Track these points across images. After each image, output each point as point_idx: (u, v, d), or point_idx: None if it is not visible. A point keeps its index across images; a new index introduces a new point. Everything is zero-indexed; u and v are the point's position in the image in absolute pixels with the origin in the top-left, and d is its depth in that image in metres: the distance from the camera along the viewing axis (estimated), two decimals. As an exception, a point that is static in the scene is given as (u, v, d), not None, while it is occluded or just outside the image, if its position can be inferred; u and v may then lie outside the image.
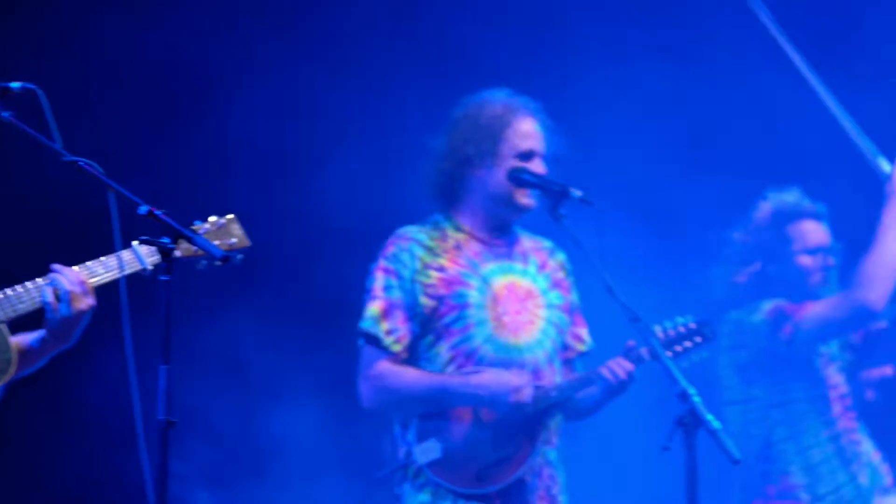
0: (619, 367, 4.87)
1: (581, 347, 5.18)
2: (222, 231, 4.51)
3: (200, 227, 4.52)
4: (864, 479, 5.76)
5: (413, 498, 4.93)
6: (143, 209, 3.96)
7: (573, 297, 5.20)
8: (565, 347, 5.13)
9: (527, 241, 5.15)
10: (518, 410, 4.87)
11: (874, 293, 5.55)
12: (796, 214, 5.89)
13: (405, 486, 4.94)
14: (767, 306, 5.72)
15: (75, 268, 4.35)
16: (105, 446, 6.06)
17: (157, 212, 3.99)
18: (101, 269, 4.37)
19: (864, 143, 5.77)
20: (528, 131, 5.06)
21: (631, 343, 4.91)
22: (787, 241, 5.85)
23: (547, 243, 5.21)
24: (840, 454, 5.73)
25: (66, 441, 6.36)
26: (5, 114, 4.22)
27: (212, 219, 4.55)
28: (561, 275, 5.17)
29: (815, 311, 5.66)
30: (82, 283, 4.27)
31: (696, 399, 4.39)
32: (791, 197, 5.91)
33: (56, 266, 4.29)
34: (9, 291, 4.26)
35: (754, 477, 5.71)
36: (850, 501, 5.70)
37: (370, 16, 7.10)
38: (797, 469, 5.69)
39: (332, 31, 7.11)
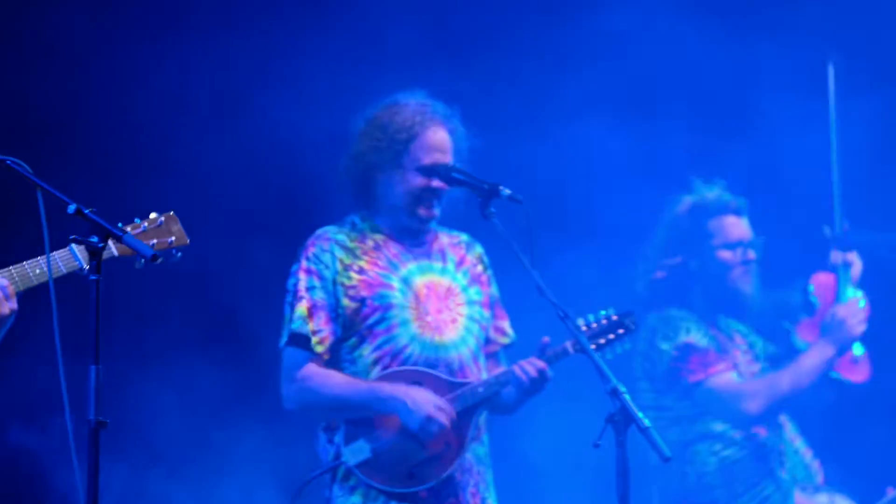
0: (531, 366, 4.90)
1: (504, 340, 5.22)
2: (161, 229, 4.53)
3: (139, 225, 4.54)
4: (784, 474, 5.85)
5: (345, 500, 4.93)
6: (72, 208, 3.96)
7: (493, 290, 5.23)
8: (488, 342, 5.16)
9: (444, 238, 5.17)
10: (433, 429, 4.88)
11: (758, 406, 5.74)
12: (717, 209, 5.95)
13: (335, 489, 4.94)
14: (681, 338, 5.81)
15: (12, 268, 4.36)
16: (35, 446, 6.08)
17: (86, 210, 4.00)
18: (38, 270, 4.38)
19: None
20: (433, 144, 5.05)
21: (545, 340, 4.94)
22: (707, 235, 5.92)
23: (464, 237, 5.23)
24: (756, 452, 5.82)
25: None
26: None
27: (152, 216, 4.57)
28: (479, 269, 5.19)
29: (718, 384, 5.79)
30: (3, 287, 4.27)
31: (627, 396, 4.43)
32: (712, 192, 5.97)
33: None
34: None
35: (672, 479, 5.77)
36: (769, 496, 5.79)
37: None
38: (713, 469, 5.78)
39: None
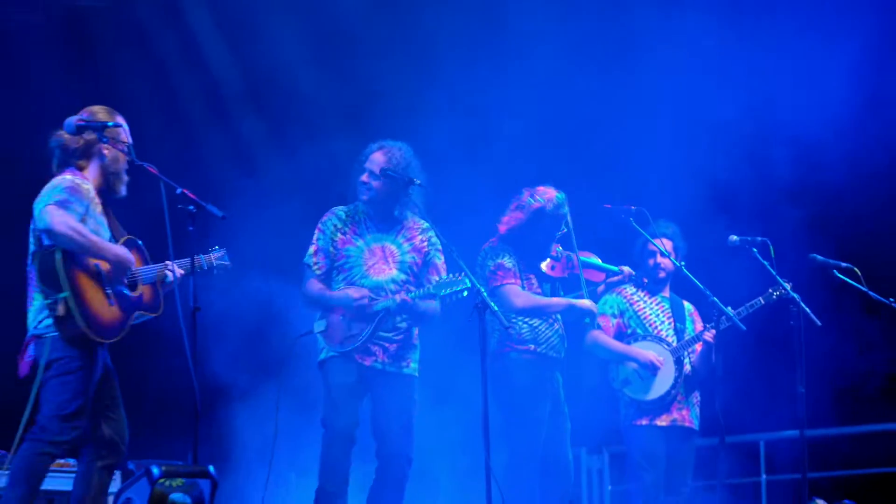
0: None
1: (428, 286, 7.53)
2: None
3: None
4: (563, 332, 8.42)
5: (318, 353, 7.60)
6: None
7: (430, 256, 7.69)
8: (423, 283, 7.61)
9: (411, 223, 7.70)
10: (362, 308, 7.43)
11: (520, 303, 8.08)
12: (559, 208, 8.22)
13: (319, 343, 7.62)
14: (498, 260, 8.22)
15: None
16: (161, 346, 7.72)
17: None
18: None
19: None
20: (372, 159, 7.59)
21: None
22: (553, 225, 8.23)
23: (424, 225, 7.70)
24: (547, 319, 8.30)
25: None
26: None
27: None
28: (423, 244, 7.70)
29: (507, 288, 8.14)
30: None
31: (485, 293, 6.93)
32: (552, 192, 8.24)
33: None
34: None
35: (503, 336, 8.23)
36: (556, 345, 8.34)
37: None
38: (527, 331, 8.26)
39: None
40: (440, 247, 7.71)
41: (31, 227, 6.41)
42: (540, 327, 8.25)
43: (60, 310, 6.19)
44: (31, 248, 6.43)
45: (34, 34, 9.14)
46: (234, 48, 9.76)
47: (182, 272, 6.63)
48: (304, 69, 9.51)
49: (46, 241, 6.31)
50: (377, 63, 9.66)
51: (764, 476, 10.75)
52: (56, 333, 6.28)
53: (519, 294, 8.09)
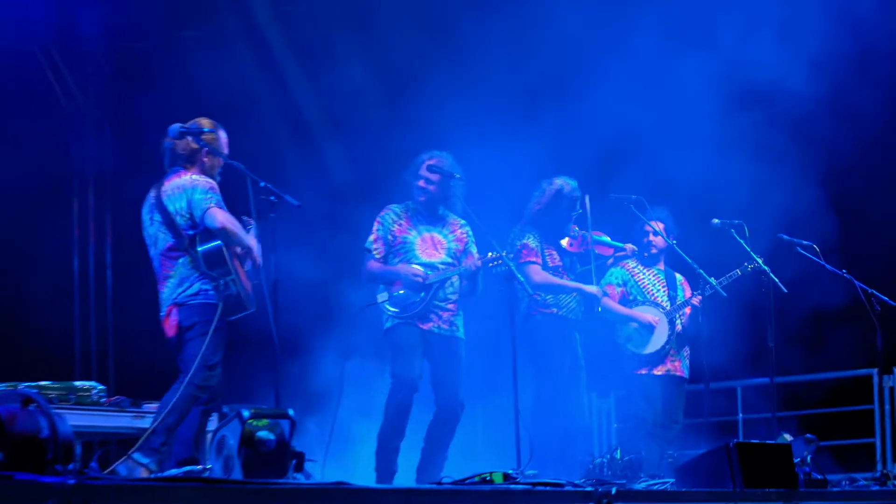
0: (472, 261, 8.55)
1: (465, 266, 8.59)
2: None
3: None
4: (580, 298, 9.26)
5: (384, 323, 8.59)
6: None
7: (468, 245, 8.66)
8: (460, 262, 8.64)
9: (453, 219, 8.68)
10: (418, 283, 8.42)
11: (538, 280, 8.95)
12: (573, 192, 9.11)
13: (385, 306, 8.66)
14: (524, 240, 9.04)
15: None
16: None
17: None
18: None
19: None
20: (424, 166, 8.66)
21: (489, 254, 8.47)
22: (569, 206, 9.15)
23: (462, 221, 8.70)
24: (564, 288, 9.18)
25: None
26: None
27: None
28: (464, 236, 8.70)
29: (530, 267, 8.98)
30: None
31: (512, 265, 8.26)
32: (566, 179, 9.18)
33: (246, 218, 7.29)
34: None
35: (531, 302, 9.05)
36: (575, 309, 9.14)
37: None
38: (550, 298, 9.12)
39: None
40: (474, 239, 8.74)
41: (161, 219, 7.19)
42: (561, 294, 9.16)
43: (233, 289, 7.12)
44: (169, 237, 7.20)
45: (146, 59, 10.23)
46: (305, 64, 10.73)
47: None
48: (363, 75, 10.59)
49: (190, 232, 7.12)
50: (422, 69, 10.69)
51: (741, 415, 11.71)
52: (198, 301, 7.13)
53: (539, 272, 9.00)
